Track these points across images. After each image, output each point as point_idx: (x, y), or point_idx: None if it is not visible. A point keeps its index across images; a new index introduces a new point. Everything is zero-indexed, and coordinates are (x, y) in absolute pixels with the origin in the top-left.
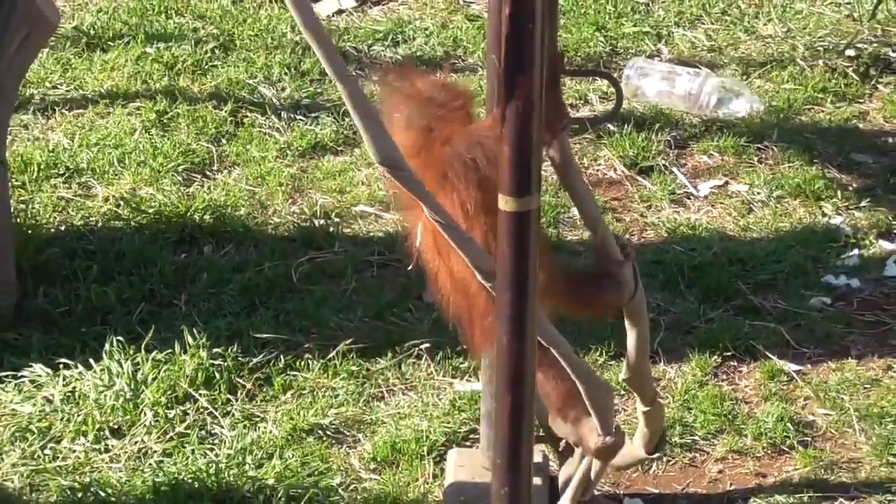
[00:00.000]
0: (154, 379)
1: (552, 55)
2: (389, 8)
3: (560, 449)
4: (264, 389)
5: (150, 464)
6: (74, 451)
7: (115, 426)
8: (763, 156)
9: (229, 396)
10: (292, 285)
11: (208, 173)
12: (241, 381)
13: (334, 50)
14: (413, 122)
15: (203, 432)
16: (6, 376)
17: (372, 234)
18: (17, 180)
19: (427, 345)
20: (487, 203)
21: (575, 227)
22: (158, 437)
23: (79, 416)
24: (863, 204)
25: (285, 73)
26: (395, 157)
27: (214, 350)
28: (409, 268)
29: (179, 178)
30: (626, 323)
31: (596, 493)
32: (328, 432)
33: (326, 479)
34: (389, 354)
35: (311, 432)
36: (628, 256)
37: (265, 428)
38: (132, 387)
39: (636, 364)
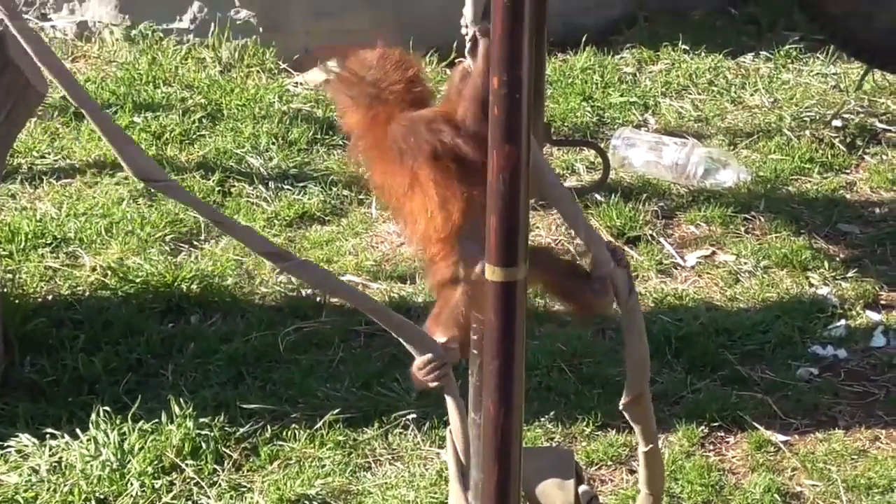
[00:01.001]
0: (141, 449)
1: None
2: None
3: None
4: (251, 459)
5: None
6: None
7: (102, 496)
8: (750, 226)
9: (216, 466)
10: (279, 355)
11: (196, 243)
12: (227, 451)
13: (72, 77)
14: (356, 103)
15: (190, 503)
16: None
17: None
18: (4, 250)
19: (414, 415)
20: (429, 179)
21: None
22: None
23: (65, 486)
24: (850, 274)
25: (272, 143)
26: (150, 169)
27: (201, 420)
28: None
29: (167, 248)
30: (624, 336)
31: None
32: (315, 502)
33: None
34: (376, 424)
35: (298, 503)
36: (620, 262)
37: (252, 498)
38: (119, 457)
39: (635, 383)
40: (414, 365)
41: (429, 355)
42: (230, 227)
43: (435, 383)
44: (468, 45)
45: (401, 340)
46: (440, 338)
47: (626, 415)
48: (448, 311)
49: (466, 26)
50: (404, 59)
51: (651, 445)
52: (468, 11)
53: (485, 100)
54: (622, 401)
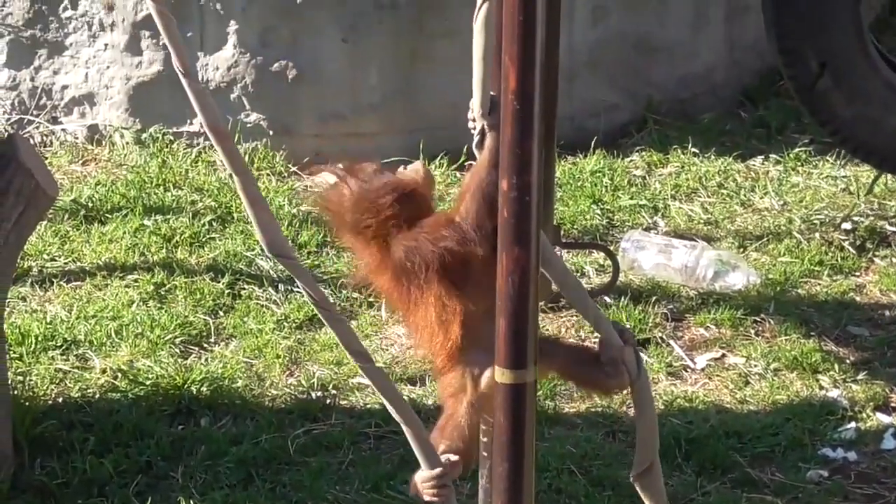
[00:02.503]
0: None
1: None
2: None
3: None
4: None
5: None
6: None
7: None
8: (760, 328)
9: None
10: (289, 457)
11: (205, 345)
12: None
13: (232, 142)
14: (355, 228)
15: None
16: None
17: (369, 405)
18: (14, 352)
19: None
20: (436, 296)
21: (572, 400)
22: None
23: None
24: (860, 377)
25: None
26: (282, 244)
27: None
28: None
29: (177, 351)
30: (634, 409)
31: None
32: None
33: None
34: None
35: None
36: (628, 342)
37: None
38: None
39: (646, 453)
40: (418, 476)
41: (437, 470)
42: (331, 318)
43: (434, 500)
44: (476, 138)
45: (412, 447)
46: (443, 451)
47: (637, 487)
48: (453, 423)
49: (474, 119)
50: (394, 182)
51: None
52: (476, 104)
53: (490, 195)
54: (633, 472)
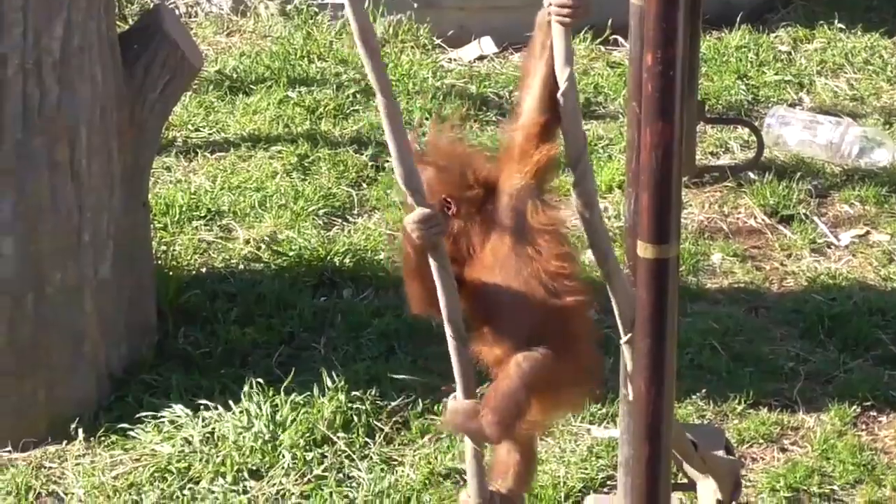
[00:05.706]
0: (293, 421)
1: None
2: None
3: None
4: (402, 433)
5: None
6: (213, 493)
7: (254, 468)
8: None
9: (367, 440)
10: (431, 330)
11: (348, 217)
12: (378, 424)
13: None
14: None
15: (341, 475)
16: (146, 416)
17: None
18: (159, 222)
19: None
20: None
21: (714, 275)
22: (296, 480)
23: (217, 457)
24: None
25: (426, 118)
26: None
27: (353, 393)
28: None
29: (320, 222)
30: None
31: None
32: (465, 477)
33: None
34: None
35: (449, 476)
36: None
37: (402, 472)
38: (271, 429)
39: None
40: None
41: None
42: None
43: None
44: None
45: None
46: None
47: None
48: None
49: None
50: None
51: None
52: None
53: None
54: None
